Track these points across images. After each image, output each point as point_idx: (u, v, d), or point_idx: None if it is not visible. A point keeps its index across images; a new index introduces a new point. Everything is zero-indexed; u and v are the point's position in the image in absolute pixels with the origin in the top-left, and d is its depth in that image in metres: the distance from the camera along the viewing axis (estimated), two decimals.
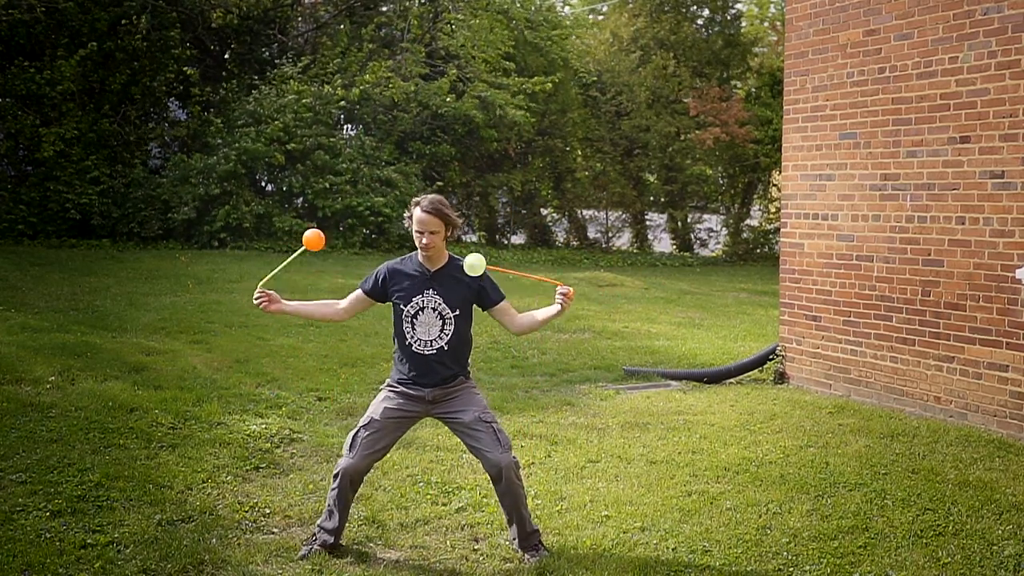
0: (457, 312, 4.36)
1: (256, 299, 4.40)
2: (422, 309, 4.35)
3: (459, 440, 6.05)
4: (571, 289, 4.42)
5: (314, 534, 4.42)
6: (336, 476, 4.33)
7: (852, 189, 7.73)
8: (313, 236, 4.38)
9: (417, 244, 4.33)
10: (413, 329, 4.35)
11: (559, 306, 4.38)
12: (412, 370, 4.35)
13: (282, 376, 7.66)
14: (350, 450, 4.31)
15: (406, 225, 4.40)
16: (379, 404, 4.40)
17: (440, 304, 4.35)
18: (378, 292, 4.44)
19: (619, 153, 23.28)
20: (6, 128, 17.20)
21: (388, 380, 4.51)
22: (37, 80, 16.78)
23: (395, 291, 4.39)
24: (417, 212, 4.30)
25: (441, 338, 4.34)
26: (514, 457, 4.32)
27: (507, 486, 4.28)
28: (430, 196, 4.37)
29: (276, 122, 17.81)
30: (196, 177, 17.53)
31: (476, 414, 4.34)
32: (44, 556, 4.12)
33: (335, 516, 4.34)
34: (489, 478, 4.40)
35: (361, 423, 4.37)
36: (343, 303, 4.53)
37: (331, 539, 4.35)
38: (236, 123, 18.27)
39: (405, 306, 4.36)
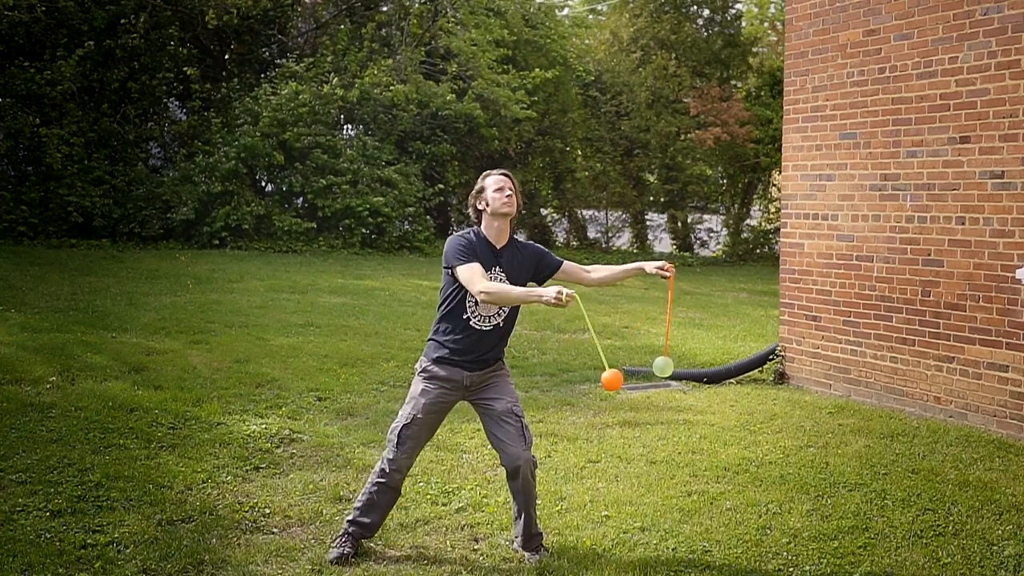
0: None
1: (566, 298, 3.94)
2: None
3: (462, 440, 6.12)
4: (670, 272, 4.37)
5: (345, 532, 4.36)
6: (385, 472, 4.30)
7: (852, 189, 7.73)
8: (612, 377, 4.03)
9: (498, 204, 4.24)
10: (476, 304, 4.27)
11: (653, 267, 4.34)
12: (462, 346, 4.27)
13: (282, 376, 7.66)
14: (398, 447, 4.28)
15: (473, 206, 4.33)
16: (418, 399, 4.31)
17: (506, 281, 4.30)
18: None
19: (619, 153, 23.27)
20: (6, 128, 17.19)
21: (423, 363, 4.36)
22: (37, 80, 16.78)
23: None
24: (492, 178, 4.31)
25: (500, 315, 4.30)
26: (533, 456, 4.31)
27: (522, 483, 4.27)
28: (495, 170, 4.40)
29: (266, 115, 17.79)
30: (199, 176, 17.55)
31: (509, 405, 4.31)
32: (44, 556, 4.12)
33: (378, 510, 4.34)
34: (505, 472, 4.37)
35: (403, 421, 4.30)
36: (486, 277, 4.16)
37: (367, 534, 4.36)
38: (236, 121, 18.28)
39: None
